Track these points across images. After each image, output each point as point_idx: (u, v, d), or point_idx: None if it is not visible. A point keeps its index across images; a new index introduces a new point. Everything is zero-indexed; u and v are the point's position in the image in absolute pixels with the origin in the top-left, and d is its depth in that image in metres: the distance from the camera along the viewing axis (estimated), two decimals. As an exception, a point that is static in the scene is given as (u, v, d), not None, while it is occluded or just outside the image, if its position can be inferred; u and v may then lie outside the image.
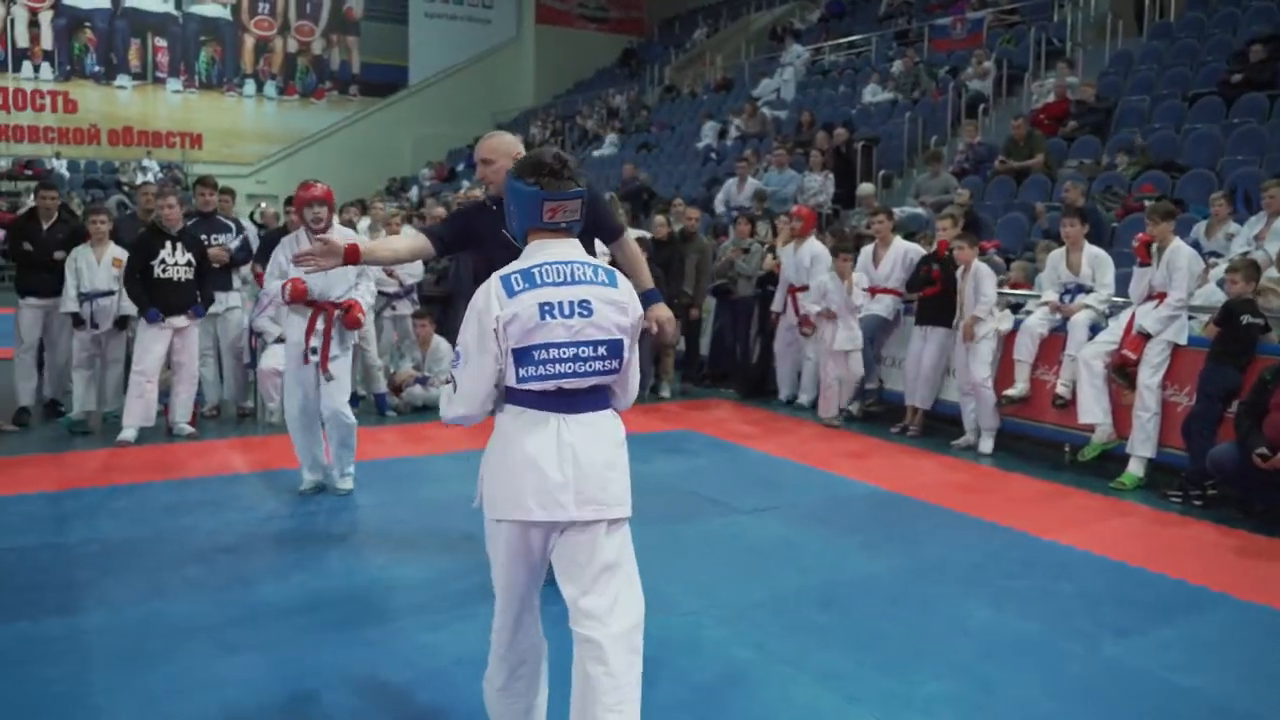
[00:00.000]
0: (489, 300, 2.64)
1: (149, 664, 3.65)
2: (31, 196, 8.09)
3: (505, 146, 4.22)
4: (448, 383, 2.78)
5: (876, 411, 8.54)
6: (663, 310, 4.07)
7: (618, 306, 2.71)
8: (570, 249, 2.74)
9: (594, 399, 2.74)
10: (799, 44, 19.81)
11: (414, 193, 22.58)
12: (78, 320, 7.58)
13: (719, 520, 5.56)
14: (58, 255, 7.63)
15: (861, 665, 3.71)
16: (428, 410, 8.35)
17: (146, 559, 4.77)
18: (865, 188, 11.10)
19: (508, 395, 2.72)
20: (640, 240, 8.94)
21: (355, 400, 8.35)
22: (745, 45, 23.36)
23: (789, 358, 9.02)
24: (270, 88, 26.71)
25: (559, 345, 2.63)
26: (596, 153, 20.40)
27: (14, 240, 7.84)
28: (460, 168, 24.24)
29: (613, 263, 3.81)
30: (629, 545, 2.75)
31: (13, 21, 24.06)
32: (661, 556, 4.80)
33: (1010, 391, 7.27)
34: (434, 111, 27.57)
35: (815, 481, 6.45)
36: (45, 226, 7.75)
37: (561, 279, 2.66)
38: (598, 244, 4.22)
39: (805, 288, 8.71)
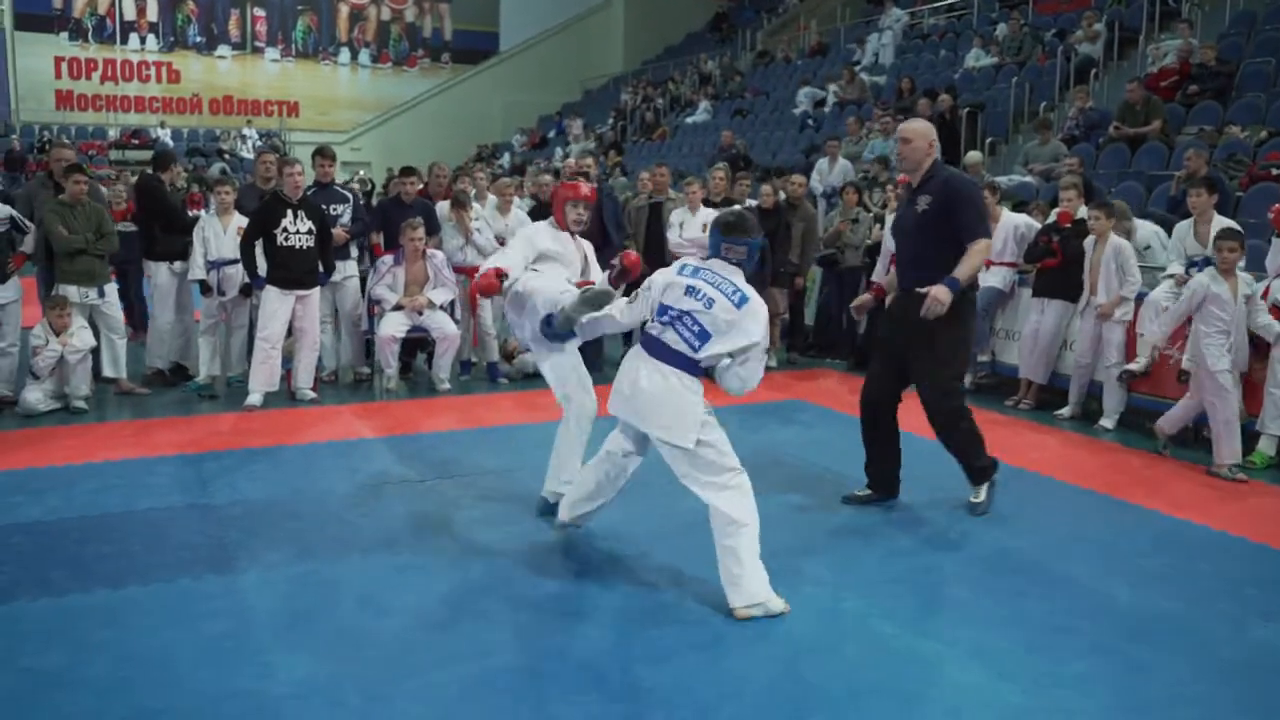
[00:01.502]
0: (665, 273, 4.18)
1: (308, 620, 3.80)
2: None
3: (926, 132, 5.04)
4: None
5: (989, 384, 8.42)
6: None
7: (729, 321, 3.98)
8: (729, 269, 4.10)
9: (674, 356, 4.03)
10: (898, 7, 19.41)
11: (505, 159, 22.74)
12: (205, 287, 7.83)
13: (839, 493, 5.55)
14: (191, 214, 7.87)
15: (1007, 642, 3.70)
16: (538, 378, 8.45)
17: (290, 520, 4.94)
18: (973, 155, 10.88)
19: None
20: (746, 209, 8.94)
21: (467, 367, 8.53)
22: (840, 9, 22.97)
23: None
24: (364, 56, 27.12)
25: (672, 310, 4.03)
26: (690, 119, 20.31)
27: (147, 204, 8.09)
28: (551, 134, 24.36)
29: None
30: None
31: (121, -6, 24.75)
32: (788, 529, 4.84)
33: (1131, 366, 7.11)
34: (524, 78, 27.69)
35: (932, 454, 6.36)
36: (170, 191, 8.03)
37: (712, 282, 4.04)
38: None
39: (911, 257, 8.61)
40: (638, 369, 4.08)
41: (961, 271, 4.84)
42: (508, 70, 28.07)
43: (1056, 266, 7.54)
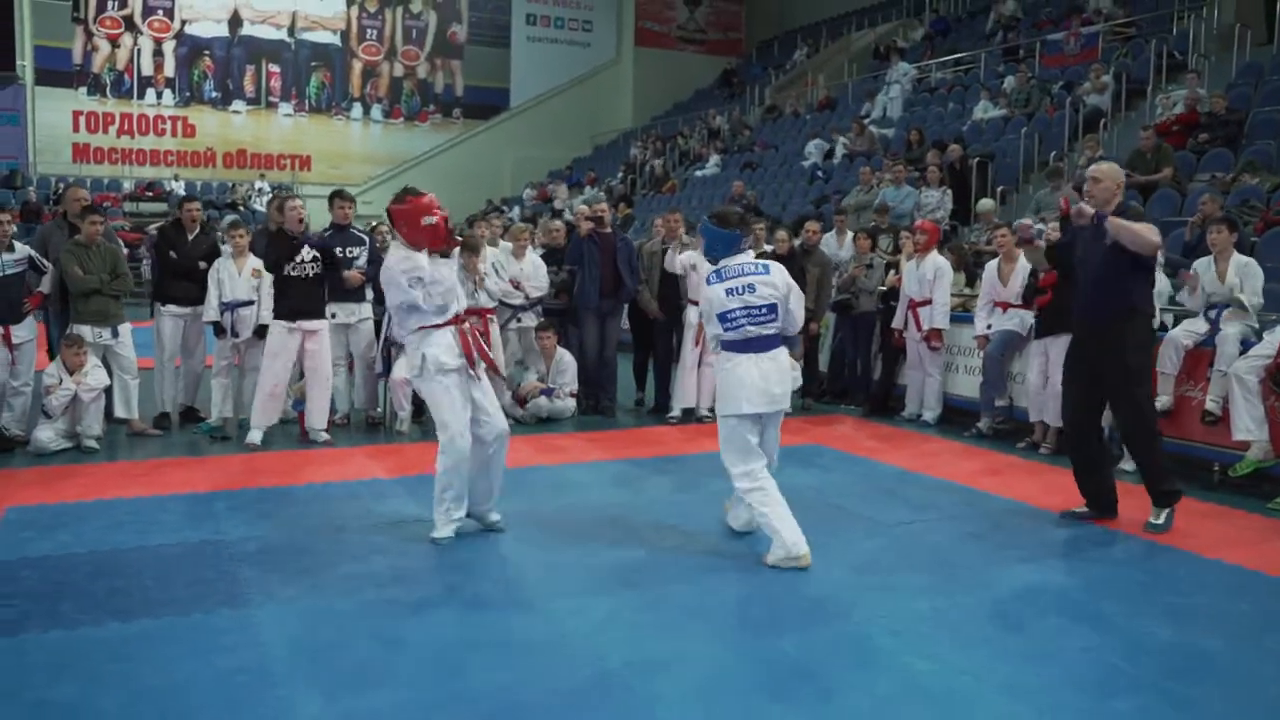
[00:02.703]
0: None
1: (323, 656, 3.70)
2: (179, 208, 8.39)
3: (1115, 174, 5.46)
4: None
5: (1006, 429, 8.33)
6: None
7: (770, 284, 4.86)
8: (744, 257, 4.98)
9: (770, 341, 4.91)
10: (905, 62, 19.62)
11: (515, 213, 22.86)
12: (219, 329, 7.80)
13: (865, 533, 5.46)
14: (201, 265, 7.88)
15: (1046, 680, 3.58)
16: (552, 422, 8.41)
17: (302, 557, 4.85)
18: (985, 203, 10.89)
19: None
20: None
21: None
22: (847, 64, 23.22)
23: (917, 374, 8.85)
24: (376, 111, 27.40)
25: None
26: (700, 172, 20.44)
27: (160, 250, 8.14)
28: (551, 185, 24.54)
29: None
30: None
31: (139, 51, 25.08)
32: (815, 568, 4.74)
33: (1153, 406, 7.03)
34: (534, 133, 27.97)
35: (956, 496, 6.30)
36: (190, 237, 8.02)
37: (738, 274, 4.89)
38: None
39: (927, 302, 8.59)
40: (751, 369, 4.84)
41: (1117, 220, 5.21)
42: (518, 125, 28.34)
43: (1051, 303, 7.47)
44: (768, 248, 9.03)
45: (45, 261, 7.55)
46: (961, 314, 8.91)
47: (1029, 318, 8.12)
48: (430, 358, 5.06)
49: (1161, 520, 5.52)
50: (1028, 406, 7.99)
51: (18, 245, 7.45)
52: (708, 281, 4.98)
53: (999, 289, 8.16)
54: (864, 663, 3.74)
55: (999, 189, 13.23)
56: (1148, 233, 5.23)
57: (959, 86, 17.98)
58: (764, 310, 4.84)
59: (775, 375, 4.87)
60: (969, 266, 9.77)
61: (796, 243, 9.25)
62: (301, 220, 7.39)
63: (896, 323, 8.89)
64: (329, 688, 3.45)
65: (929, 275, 8.61)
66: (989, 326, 8.23)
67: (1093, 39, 16.24)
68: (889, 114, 18.25)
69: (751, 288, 4.83)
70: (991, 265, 8.31)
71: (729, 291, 4.84)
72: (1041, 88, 15.46)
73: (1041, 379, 7.68)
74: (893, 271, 9.25)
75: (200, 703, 3.32)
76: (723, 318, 4.86)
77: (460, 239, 5.93)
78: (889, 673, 3.64)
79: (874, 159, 15.73)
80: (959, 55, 19.25)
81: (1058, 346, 7.50)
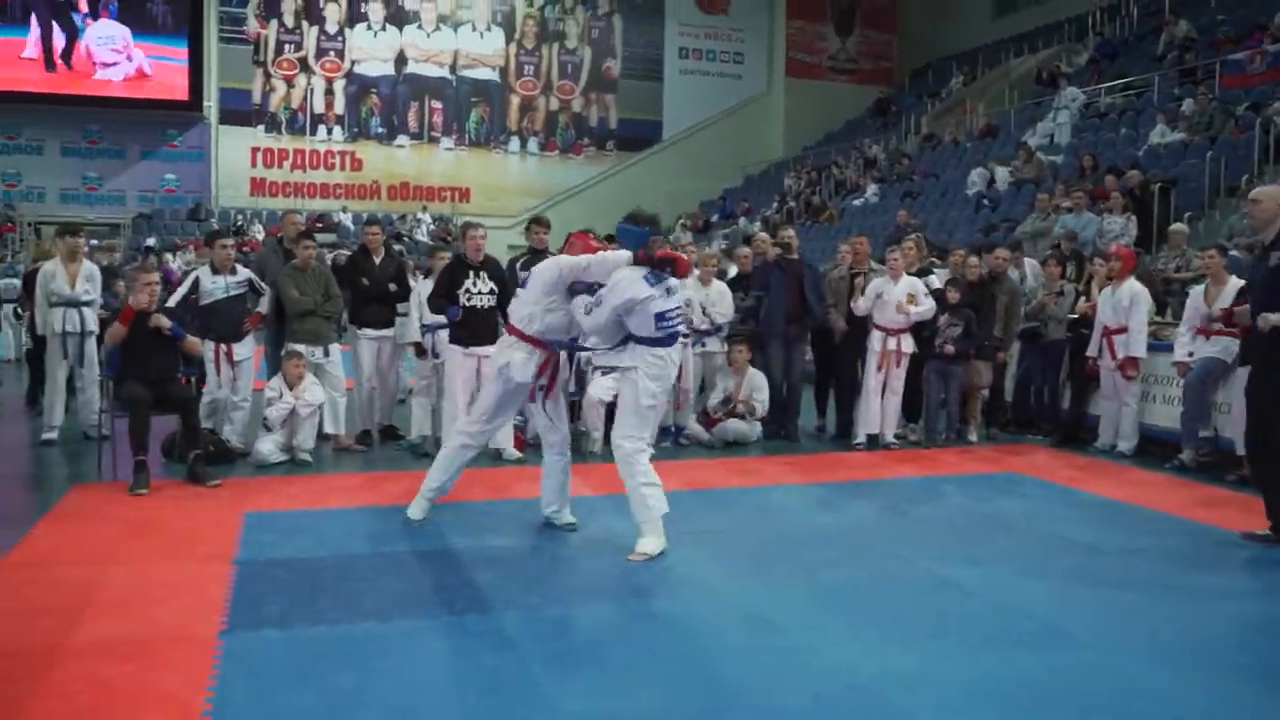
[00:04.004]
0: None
1: (580, 659, 3.82)
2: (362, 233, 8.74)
3: (1274, 193, 5.66)
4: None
5: (1210, 461, 7.99)
6: None
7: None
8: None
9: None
10: (1073, 86, 19.13)
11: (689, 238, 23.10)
12: (420, 350, 8.12)
13: (1087, 560, 5.33)
14: (391, 287, 8.21)
15: None
16: (738, 445, 8.46)
17: (533, 567, 5.02)
18: (1178, 228, 10.52)
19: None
20: (952, 280, 8.84)
21: (667, 433, 8.54)
22: (1008, 90, 22.77)
23: (1112, 404, 8.59)
24: (533, 144, 28.13)
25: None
26: (857, 201, 20.32)
27: (350, 276, 8.42)
28: (714, 219, 24.69)
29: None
30: None
31: (312, 90, 26.42)
32: (1048, 595, 4.65)
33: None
34: (686, 164, 28.25)
35: (1172, 526, 6.09)
36: (377, 261, 8.35)
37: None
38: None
39: (1122, 329, 8.34)
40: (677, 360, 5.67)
41: None
42: (670, 157, 28.69)
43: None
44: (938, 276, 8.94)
45: (263, 284, 8.01)
46: (1154, 342, 8.61)
47: (1234, 345, 7.80)
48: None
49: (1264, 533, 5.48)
50: (1233, 437, 7.66)
51: (239, 268, 7.93)
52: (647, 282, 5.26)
53: (1205, 312, 7.86)
54: (1124, 691, 3.65)
55: (1185, 215, 12.75)
56: None
57: (1130, 110, 17.43)
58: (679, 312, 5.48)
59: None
60: (1158, 294, 9.46)
61: (984, 271, 9.11)
62: (480, 249, 7.61)
63: (1091, 351, 8.65)
64: (589, 689, 3.56)
65: (1124, 302, 8.37)
66: (1190, 354, 7.94)
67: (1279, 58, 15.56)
68: (1057, 140, 17.82)
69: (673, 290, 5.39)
70: (1197, 290, 8.02)
71: (667, 294, 5.31)
72: (1224, 109, 14.87)
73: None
74: (1083, 299, 9.03)
75: (473, 698, 3.47)
76: (661, 317, 5.26)
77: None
78: (1143, 698, 3.55)
79: (1043, 185, 15.37)
80: (1129, 79, 18.66)
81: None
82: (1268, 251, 5.62)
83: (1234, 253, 10.37)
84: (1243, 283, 7.83)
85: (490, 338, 7.58)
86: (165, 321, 6.84)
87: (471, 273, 7.56)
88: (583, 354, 7.96)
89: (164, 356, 6.88)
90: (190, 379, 7.25)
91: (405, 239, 24.59)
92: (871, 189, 20.47)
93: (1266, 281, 5.61)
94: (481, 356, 7.53)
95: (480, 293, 7.54)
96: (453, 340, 7.54)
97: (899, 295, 8.38)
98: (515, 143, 28.00)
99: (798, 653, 3.95)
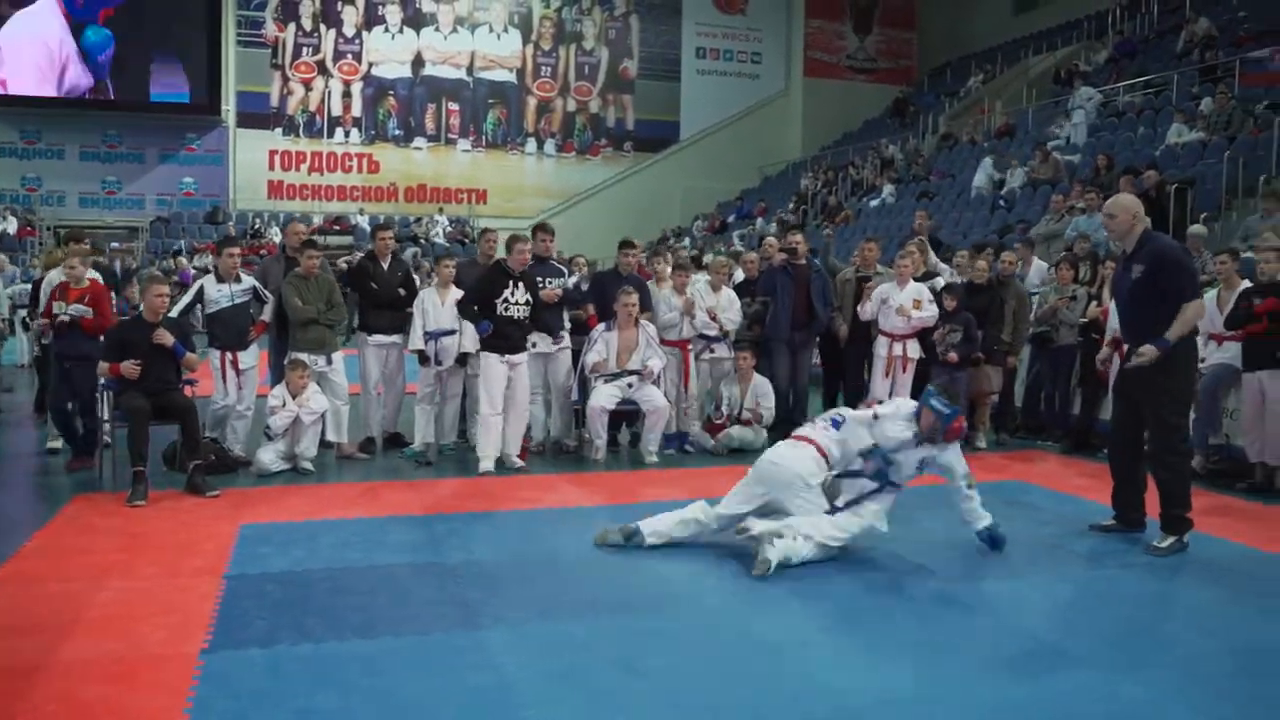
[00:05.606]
0: None
1: (564, 680, 3.77)
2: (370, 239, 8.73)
3: (1127, 204, 5.75)
4: None
5: (1220, 469, 7.85)
6: None
7: None
8: None
9: None
10: (1089, 86, 18.94)
11: (687, 243, 23.04)
12: (423, 357, 8.09)
13: (1089, 573, 5.26)
14: (400, 292, 8.19)
15: None
16: (743, 453, 8.38)
17: (527, 582, 4.96)
18: (1197, 229, 10.37)
19: None
20: (948, 286, 8.74)
21: (671, 441, 8.48)
22: (1026, 90, 22.58)
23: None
24: (550, 146, 28.18)
25: None
26: (873, 202, 20.20)
27: (359, 281, 8.43)
28: (731, 219, 24.62)
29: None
30: None
31: (329, 93, 26.53)
32: (1049, 612, 4.58)
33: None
34: (703, 164, 28.23)
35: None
36: (385, 266, 8.32)
37: None
38: None
39: (1135, 335, 8.21)
40: None
41: (1173, 332, 5.44)
42: (688, 157, 28.68)
43: (1263, 333, 7.02)
44: (956, 280, 8.83)
45: (267, 292, 8.00)
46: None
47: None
48: None
49: (1165, 545, 5.53)
50: (1244, 445, 7.55)
51: (244, 276, 7.93)
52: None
53: (1215, 317, 7.74)
54: (1116, 713, 3.57)
55: (1201, 216, 12.58)
56: (1196, 315, 5.58)
57: (1149, 110, 17.23)
58: None
59: None
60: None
61: (992, 273, 9.01)
62: (525, 262, 7.64)
63: (1102, 356, 8.51)
64: (575, 711, 3.51)
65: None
66: (1202, 360, 7.81)
67: (1302, 54, 15.35)
68: (1073, 140, 17.64)
69: None
70: (1210, 295, 7.88)
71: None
72: (1244, 108, 14.67)
73: (1256, 415, 7.25)
74: (1095, 303, 8.90)
75: (450, 718, 3.43)
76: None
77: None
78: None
79: (1059, 186, 15.22)
80: (1148, 77, 18.45)
81: (1276, 381, 7.09)
82: (1129, 263, 5.69)
83: (1247, 254, 10.26)
84: (1248, 284, 7.74)
85: (521, 346, 7.66)
86: (168, 338, 6.85)
87: (511, 282, 7.58)
88: (586, 361, 7.95)
89: (165, 367, 6.89)
90: (191, 388, 7.25)
91: (422, 241, 24.67)
92: (888, 189, 20.35)
93: (1131, 294, 5.69)
94: (513, 364, 7.57)
95: (517, 303, 7.57)
96: (486, 348, 7.55)
97: (904, 300, 8.30)
98: (532, 144, 28.05)
99: (791, 673, 3.88)
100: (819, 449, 5.43)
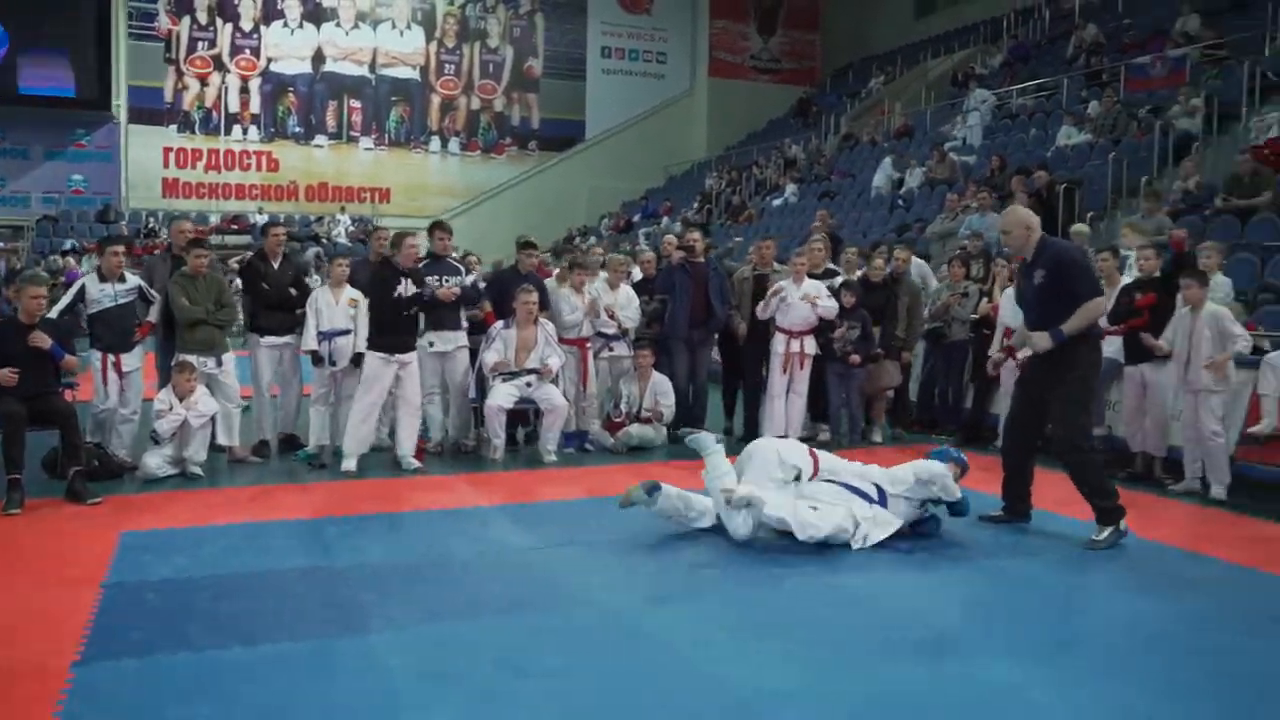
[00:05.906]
0: None
1: (448, 681, 3.73)
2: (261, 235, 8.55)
3: (1020, 218, 5.93)
4: None
5: (1104, 459, 8.12)
6: None
7: None
8: None
9: None
10: (983, 88, 19.44)
11: (593, 241, 23.05)
12: (316, 358, 7.93)
13: (971, 561, 5.39)
14: (291, 292, 8.02)
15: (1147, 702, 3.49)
16: (642, 450, 8.41)
17: (416, 583, 4.90)
18: (1079, 228, 10.70)
19: None
20: (846, 283, 8.87)
21: (570, 439, 8.46)
22: (924, 92, 23.09)
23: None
24: (454, 144, 27.88)
25: None
26: (776, 202, 20.43)
27: (250, 281, 8.23)
28: (636, 218, 24.68)
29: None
30: None
31: (226, 89, 25.86)
32: (934, 600, 4.67)
33: (1256, 428, 6.85)
34: (609, 164, 28.23)
35: (1054, 525, 6.18)
36: (275, 265, 8.12)
37: None
38: None
39: (1024, 330, 8.45)
40: None
41: (1069, 325, 5.61)
42: (593, 157, 28.65)
43: (1144, 327, 7.32)
44: (849, 279, 8.99)
45: (153, 292, 7.76)
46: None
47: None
48: None
49: (1102, 537, 5.65)
50: (1125, 436, 7.83)
51: (129, 275, 7.68)
52: None
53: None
54: (979, 701, 3.67)
55: (1088, 215, 13.00)
56: (1095, 311, 5.71)
57: (1040, 113, 17.76)
58: None
59: None
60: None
61: (887, 271, 9.18)
62: (417, 260, 7.62)
63: (993, 351, 8.74)
64: (456, 712, 3.48)
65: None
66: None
67: (1180, 61, 15.92)
68: (969, 141, 18.09)
69: None
70: (1091, 292, 8.14)
71: None
72: (1128, 112, 15.20)
73: (1138, 406, 7.53)
74: (986, 300, 9.13)
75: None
76: None
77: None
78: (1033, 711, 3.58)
79: (955, 186, 15.59)
80: (1040, 81, 19.00)
81: (1156, 373, 7.36)
82: (1030, 270, 5.87)
83: (1126, 253, 10.64)
84: (1130, 281, 8.03)
85: (410, 345, 7.68)
86: (45, 341, 6.59)
87: (402, 279, 7.56)
88: (485, 360, 7.89)
89: (42, 370, 6.63)
90: (72, 391, 7.00)
91: (324, 241, 24.21)
92: (790, 189, 20.61)
93: (1037, 298, 5.85)
94: (402, 363, 7.52)
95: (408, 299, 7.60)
96: (372, 347, 7.52)
97: (798, 297, 8.41)
98: (436, 142, 27.72)
99: (681, 670, 3.90)
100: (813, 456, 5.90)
